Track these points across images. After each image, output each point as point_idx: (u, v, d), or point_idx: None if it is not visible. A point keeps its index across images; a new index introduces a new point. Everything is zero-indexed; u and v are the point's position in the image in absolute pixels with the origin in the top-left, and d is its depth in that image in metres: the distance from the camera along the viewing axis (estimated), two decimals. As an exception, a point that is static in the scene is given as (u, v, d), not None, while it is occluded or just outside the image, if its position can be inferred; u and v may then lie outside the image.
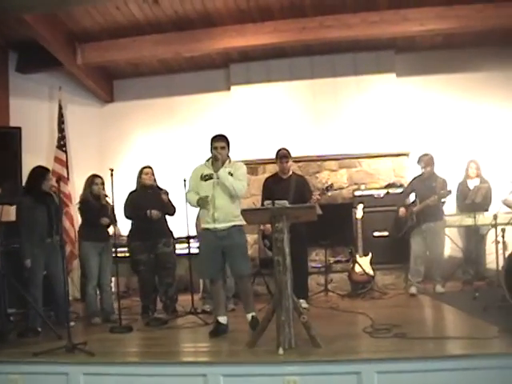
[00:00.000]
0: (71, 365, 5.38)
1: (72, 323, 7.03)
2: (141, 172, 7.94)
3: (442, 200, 8.36)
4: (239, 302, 8.17)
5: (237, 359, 5.27)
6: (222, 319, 6.29)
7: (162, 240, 7.77)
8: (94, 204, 7.71)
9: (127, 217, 7.88)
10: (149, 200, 7.71)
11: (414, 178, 8.88)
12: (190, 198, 6.41)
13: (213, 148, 6.33)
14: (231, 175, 6.23)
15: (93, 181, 7.78)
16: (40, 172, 7.19)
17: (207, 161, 6.45)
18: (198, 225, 8.12)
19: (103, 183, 7.79)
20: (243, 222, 6.13)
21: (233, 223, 6.20)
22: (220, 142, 6.34)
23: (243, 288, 6.43)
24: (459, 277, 8.84)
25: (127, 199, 7.90)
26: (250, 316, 6.28)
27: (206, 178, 6.30)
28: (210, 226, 6.24)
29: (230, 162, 6.40)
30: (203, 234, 6.40)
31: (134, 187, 8.00)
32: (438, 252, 8.41)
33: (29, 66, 9.93)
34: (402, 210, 8.53)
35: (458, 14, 8.70)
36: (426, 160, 8.48)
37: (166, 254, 7.77)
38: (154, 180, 7.99)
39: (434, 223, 8.36)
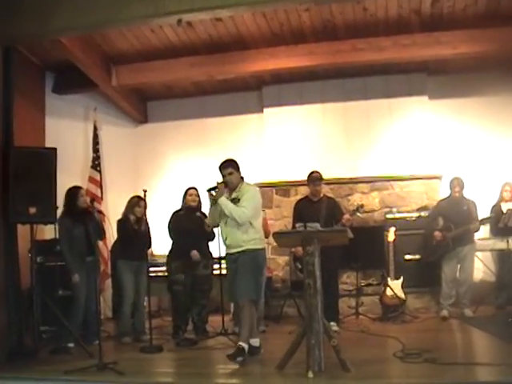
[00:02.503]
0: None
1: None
2: (186, 193, 7.99)
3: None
4: (270, 323, 8.22)
5: (267, 381, 5.29)
6: (253, 341, 6.21)
7: (203, 261, 7.80)
8: (132, 225, 7.80)
9: (171, 237, 7.96)
10: (191, 222, 7.72)
11: (441, 201, 8.85)
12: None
13: (221, 176, 6.30)
14: (238, 200, 6.18)
15: (138, 203, 7.85)
16: (72, 191, 7.39)
17: (226, 187, 6.36)
18: None
19: (146, 207, 7.87)
20: (256, 246, 6.15)
21: (242, 248, 6.12)
22: (226, 169, 6.29)
23: (240, 314, 6.18)
24: (492, 301, 8.72)
25: (171, 219, 7.96)
26: (238, 343, 6.00)
27: None
28: (227, 250, 6.34)
29: (241, 185, 6.34)
30: (226, 258, 6.46)
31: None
32: (468, 275, 8.35)
33: (65, 86, 10.06)
34: (437, 234, 8.41)
35: (491, 36, 8.65)
36: (462, 183, 8.44)
37: (205, 276, 7.80)
38: (199, 202, 7.99)
39: (467, 246, 8.32)
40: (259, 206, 6.40)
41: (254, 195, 6.31)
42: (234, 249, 6.18)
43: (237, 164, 6.34)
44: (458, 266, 8.42)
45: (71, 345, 7.01)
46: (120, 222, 7.99)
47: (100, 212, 7.57)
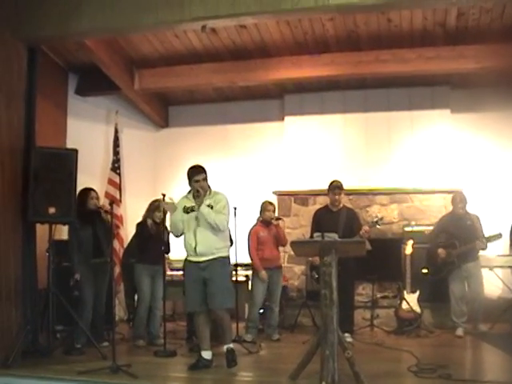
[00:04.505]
0: (114, 386, 5.46)
1: (106, 343, 7.22)
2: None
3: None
4: (284, 332, 8.19)
5: (279, 391, 5.28)
6: (206, 354, 6.19)
7: None
8: (150, 229, 7.82)
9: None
10: None
11: (444, 217, 8.74)
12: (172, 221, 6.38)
13: (193, 182, 6.21)
14: (211, 207, 6.15)
15: (158, 207, 7.86)
16: (83, 193, 7.44)
17: (189, 193, 6.37)
18: None
19: (165, 213, 7.86)
20: (226, 253, 6.25)
21: (215, 255, 6.13)
22: (200, 174, 6.23)
23: (219, 322, 6.23)
24: (509, 319, 8.61)
25: None
26: (225, 348, 6.13)
27: (188, 210, 6.22)
28: (193, 258, 6.20)
29: (210, 192, 6.31)
30: (187, 266, 6.32)
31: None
32: (479, 291, 8.23)
33: (87, 88, 10.12)
34: (441, 252, 8.30)
35: (515, 51, 8.63)
36: (464, 199, 8.36)
37: None
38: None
39: (471, 264, 8.20)
40: None
41: (228, 202, 6.36)
42: (205, 256, 6.12)
43: (206, 170, 6.34)
44: (466, 283, 8.33)
45: (78, 345, 7.05)
46: (139, 226, 8.02)
47: (107, 212, 7.49)
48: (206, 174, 6.27)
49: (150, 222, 7.87)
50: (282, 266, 8.46)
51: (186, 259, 6.38)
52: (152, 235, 7.78)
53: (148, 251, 7.75)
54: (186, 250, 6.30)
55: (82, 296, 7.29)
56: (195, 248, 6.14)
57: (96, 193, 7.63)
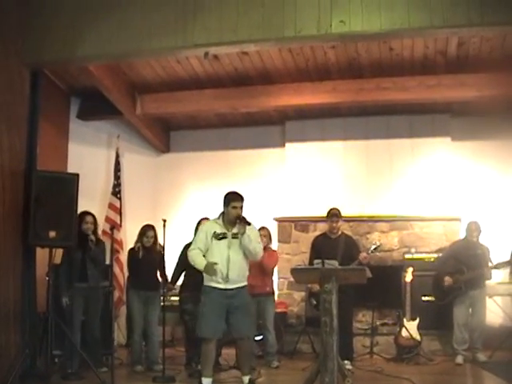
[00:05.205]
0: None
1: (104, 368, 7.18)
2: (198, 223, 7.84)
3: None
4: (284, 359, 8.13)
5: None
6: (206, 381, 6.10)
7: None
8: (140, 254, 7.81)
9: (177, 267, 7.90)
10: None
11: (455, 243, 8.77)
12: (196, 260, 6.20)
13: (231, 207, 6.13)
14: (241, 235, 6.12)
15: (145, 233, 7.87)
16: (79, 216, 7.38)
17: (218, 218, 6.31)
18: None
19: (154, 236, 7.82)
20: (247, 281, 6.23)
21: (243, 283, 6.17)
22: (241, 201, 6.18)
23: (244, 349, 6.25)
24: (510, 347, 8.57)
25: (183, 251, 7.86)
26: (246, 379, 6.14)
27: (219, 237, 6.15)
28: (221, 285, 6.08)
29: None
30: (209, 291, 6.15)
31: (185, 239, 8.03)
32: (480, 320, 8.22)
33: (89, 113, 10.16)
34: (447, 279, 8.27)
35: (516, 80, 8.67)
36: (479, 228, 8.36)
37: None
38: None
39: (477, 291, 8.21)
40: None
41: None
42: (235, 284, 6.09)
43: None
44: (470, 310, 8.32)
45: (70, 370, 7.01)
46: (129, 251, 8.02)
47: (92, 241, 7.39)
48: (243, 202, 6.21)
49: (137, 245, 7.86)
50: (272, 292, 8.26)
51: (205, 285, 6.24)
52: (140, 260, 7.76)
53: (138, 276, 7.75)
54: (212, 277, 6.13)
55: (69, 320, 7.25)
56: (227, 275, 6.05)
57: (93, 217, 7.60)
